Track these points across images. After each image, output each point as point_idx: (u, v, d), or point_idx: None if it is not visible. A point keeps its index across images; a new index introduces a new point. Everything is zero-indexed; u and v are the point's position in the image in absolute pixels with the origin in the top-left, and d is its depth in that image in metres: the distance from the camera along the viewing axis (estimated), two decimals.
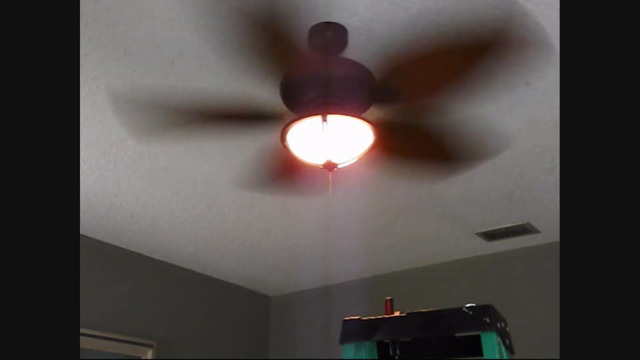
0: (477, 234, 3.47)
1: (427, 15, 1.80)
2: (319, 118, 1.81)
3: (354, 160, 1.97)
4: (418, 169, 2.50)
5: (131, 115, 2.16)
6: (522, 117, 2.29)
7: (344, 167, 1.97)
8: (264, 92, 2.08)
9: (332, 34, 1.84)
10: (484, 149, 2.49)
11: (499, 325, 1.25)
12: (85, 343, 3.21)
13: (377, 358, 1.48)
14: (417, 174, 2.60)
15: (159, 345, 3.66)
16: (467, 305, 1.57)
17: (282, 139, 1.91)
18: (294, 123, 1.85)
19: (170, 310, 3.85)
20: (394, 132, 2.09)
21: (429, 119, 2.15)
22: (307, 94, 1.86)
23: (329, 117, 1.81)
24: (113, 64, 2.01)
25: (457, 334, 1.47)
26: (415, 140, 2.19)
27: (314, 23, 1.83)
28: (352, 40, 1.88)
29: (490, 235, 3.48)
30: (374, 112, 1.99)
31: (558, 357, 2.98)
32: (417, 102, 2.07)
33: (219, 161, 2.63)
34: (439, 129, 2.17)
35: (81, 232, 3.37)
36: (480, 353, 1.26)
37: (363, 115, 1.89)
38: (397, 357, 1.46)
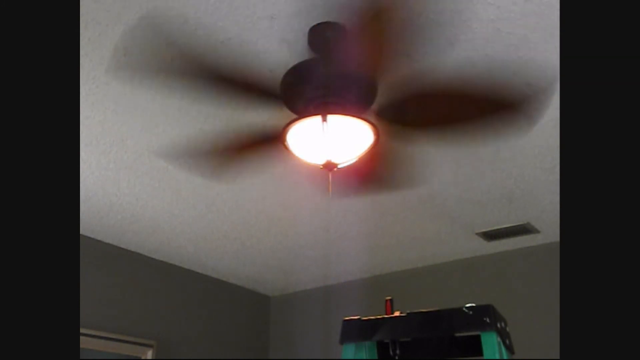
0: (477, 234, 3.47)
1: (427, 15, 1.80)
2: (319, 118, 1.81)
3: (354, 160, 1.97)
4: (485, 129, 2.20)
5: (125, 81, 2.11)
6: (521, 117, 2.29)
7: (344, 167, 1.97)
8: (263, 113, 2.09)
9: (332, 34, 1.84)
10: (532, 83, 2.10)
11: (499, 325, 1.25)
12: (85, 343, 3.21)
13: (377, 358, 1.48)
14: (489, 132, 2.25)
15: (159, 345, 3.66)
16: (467, 305, 1.57)
17: (282, 139, 1.91)
18: (294, 123, 1.85)
19: (170, 310, 3.85)
20: (409, 111, 2.01)
21: (434, 83, 2.03)
22: (307, 94, 1.86)
23: (329, 117, 1.81)
24: (113, 64, 2.01)
25: (457, 334, 1.47)
26: (444, 106, 2.03)
27: (314, 23, 1.83)
28: (352, 40, 1.88)
29: (490, 235, 3.48)
30: (375, 107, 1.98)
31: (558, 357, 2.98)
32: (414, 129, 2.08)
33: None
34: (464, 84, 2.00)
35: (81, 232, 3.37)
36: (480, 353, 1.26)
37: (363, 115, 1.89)
38: (397, 357, 1.46)
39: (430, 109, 2.02)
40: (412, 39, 1.87)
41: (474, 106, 1.98)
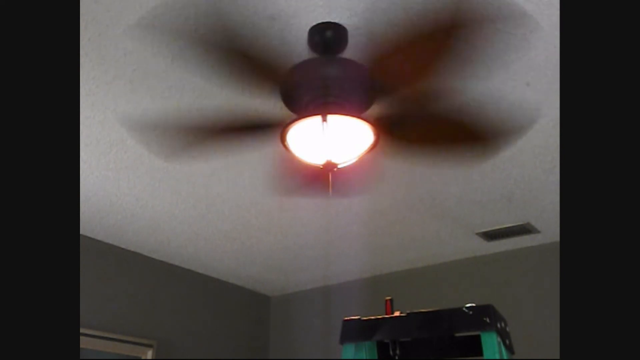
0: (477, 234, 3.47)
1: (427, 15, 1.80)
2: (319, 118, 1.81)
3: (354, 160, 1.97)
4: (444, 156, 2.46)
5: (125, 81, 2.12)
6: (522, 116, 2.29)
7: (344, 167, 1.97)
8: (264, 102, 2.09)
9: (332, 34, 1.84)
10: (511, 122, 2.39)
11: (499, 325, 1.25)
12: (85, 343, 3.21)
13: (377, 358, 1.48)
14: (447, 161, 2.55)
15: (159, 345, 3.66)
16: (467, 305, 1.57)
17: (282, 139, 1.91)
18: (294, 123, 1.85)
19: (170, 310, 3.85)
20: (405, 125, 2.09)
21: (437, 106, 2.16)
22: (307, 94, 1.86)
23: (329, 117, 1.81)
24: (113, 65, 2.01)
25: (457, 334, 1.47)
26: (433, 128, 2.17)
27: (314, 23, 1.83)
28: (352, 40, 1.88)
29: (490, 235, 3.48)
30: (375, 111, 1.99)
31: (558, 357, 2.98)
32: (410, 88, 2.07)
33: (220, 161, 2.63)
34: (454, 112, 2.17)
35: (81, 232, 3.37)
36: (480, 353, 1.26)
37: (363, 115, 1.89)
38: (397, 357, 1.46)
39: (425, 130, 2.08)
40: (467, 62, 1.92)
41: (458, 135, 2.12)
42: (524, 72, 2.04)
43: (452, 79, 2.05)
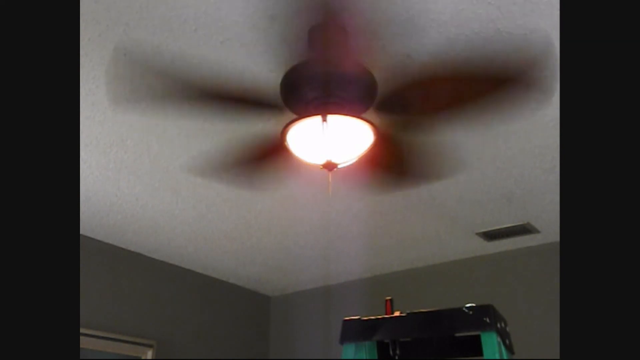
0: (477, 234, 3.46)
1: (427, 15, 1.81)
2: (319, 118, 1.81)
3: (354, 160, 1.97)
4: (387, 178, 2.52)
5: (126, 77, 2.08)
6: (522, 117, 2.29)
7: (344, 167, 1.97)
8: (266, 83, 2.07)
9: (332, 34, 1.84)
10: (436, 171, 2.51)
11: (499, 325, 1.24)
12: (85, 343, 3.21)
13: (377, 358, 1.48)
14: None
15: (159, 345, 3.66)
16: (467, 305, 1.57)
17: (282, 139, 1.91)
18: (294, 123, 1.85)
19: (170, 310, 3.85)
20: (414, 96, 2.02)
21: (416, 133, 2.15)
22: (307, 94, 1.86)
23: (329, 117, 1.81)
24: (113, 64, 2.01)
25: (457, 334, 1.47)
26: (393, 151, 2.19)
27: (314, 23, 1.83)
28: (352, 40, 1.88)
29: (490, 235, 3.48)
30: (377, 99, 1.98)
31: (558, 357, 2.98)
32: (419, 118, 2.07)
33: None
34: (417, 145, 2.15)
35: (81, 232, 3.37)
36: (480, 353, 1.26)
37: (363, 115, 1.89)
38: (397, 357, 1.46)
39: (432, 95, 2.01)
40: (411, 36, 1.88)
41: (475, 85, 1.94)
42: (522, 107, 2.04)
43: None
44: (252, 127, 2.23)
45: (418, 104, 2.02)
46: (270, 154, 2.21)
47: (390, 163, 2.35)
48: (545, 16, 1.80)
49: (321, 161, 1.90)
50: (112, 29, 1.86)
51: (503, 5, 1.77)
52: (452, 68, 1.96)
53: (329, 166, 1.90)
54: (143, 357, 3.56)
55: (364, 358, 1.42)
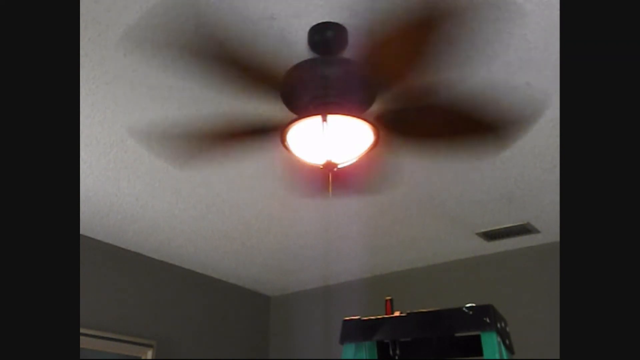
0: (477, 234, 3.47)
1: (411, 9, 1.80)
2: (319, 118, 1.81)
3: (354, 160, 1.97)
4: (452, 149, 2.37)
5: (125, 81, 2.12)
6: (522, 116, 2.29)
7: (344, 167, 1.97)
8: (265, 105, 2.09)
9: (332, 34, 1.84)
10: (519, 111, 2.29)
11: (499, 325, 1.24)
12: (85, 343, 3.21)
13: (377, 358, 1.48)
14: (457, 153, 2.47)
15: (159, 345, 3.66)
16: (467, 305, 1.57)
17: (282, 139, 1.91)
18: (294, 123, 1.85)
19: (170, 310, 3.85)
20: (408, 119, 2.07)
21: (439, 98, 2.13)
22: (307, 94, 1.86)
23: (329, 117, 1.81)
24: (113, 64, 2.01)
25: (457, 334, 1.47)
26: (438, 121, 2.12)
27: (314, 23, 1.83)
28: (352, 40, 1.88)
29: (490, 235, 3.48)
30: (376, 109, 1.99)
31: (558, 357, 2.98)
32: (403, 81, 2.06)
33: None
34: (459, 103, 2.11)
35: (81, 232, 3.37)
36: (480, 353, 1.26)
37: (363, 115, 1.89)
38: (397, 357, 1.46)
39: (428, 123, 2.06)
40: (451, 53, 1.90)
41: (468, 126, 2.06)
42: (524, 72, 2.04)
43: (452, 72, 2.03)
44: (252, 127, 2.22)
45: (415, 126, 2.08)
46: (258, 138, 2.19)
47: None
48: (545, 17, 1.80)
49: (321, 161, 1.90)
50: (112, 29, 1.86)
51: (503, 5, 1.77)
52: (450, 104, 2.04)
53: (329, 166, 1.90)
54: (143, 357, 3.56)
55: (364, 358, 1.42)
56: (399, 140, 2.18)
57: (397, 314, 1.47)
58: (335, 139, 1.84)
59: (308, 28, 1.85)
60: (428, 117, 2.07)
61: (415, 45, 1.76)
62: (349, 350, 1.42)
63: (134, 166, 2.67)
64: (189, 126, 2.32)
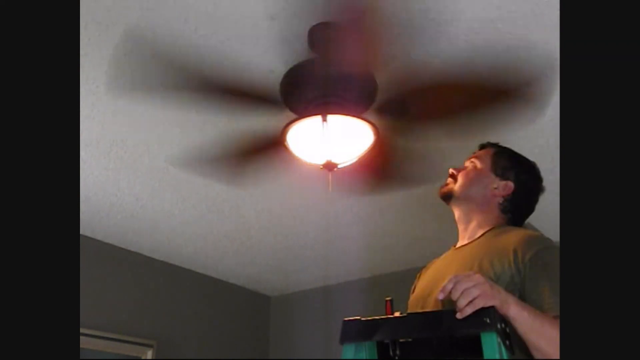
0: None
1: (427, 15, 1.80)
2: (319, 118, 1.81)
3: (354, 160, 1.97)
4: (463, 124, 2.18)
5: (125, 81, 2.10)
6: (522, 117, 2.29)
7: (344, 167, 1.97)
8: (267, 82, 2.07)
9: (332, 34, 1.84)
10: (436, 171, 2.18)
11: (499, 325, 1.24)
12: (85, 343, 3.21)
13: (377, 358, 1.47)
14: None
15: (159, 345, 3.66)
16: None
17: (282, 138, 1.91)
18: (294, 123, 1.85)
19: (170, 310, 3.85)
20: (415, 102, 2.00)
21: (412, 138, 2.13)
22: (307, 94, 1.86)
23: (329, 117, 1.81)
24: (113, 64, 2.01)
25: (457, 335, 1.46)
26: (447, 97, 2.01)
27: (314, 23, 1.83)
28: (352, 40, 1.87)
29: None
30: (377, 103, 1.98)
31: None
32: (419, 124, 2.07)
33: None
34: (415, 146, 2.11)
35: (81, 232, 3.37)
36: (481, 353, 1.25)
37: (363, 115, 1.89)
38: (397, 358, 1.46)
39: (431, 102, 2.02)
40: (412, 38, 1.87)
41: (475, 95, 1.98)
42: (523, 73, 2.03)
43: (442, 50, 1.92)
44: (251, 125, 2.22)
45: (416, 110, 2.03)
46: (267, 150, 2.20)
47: (388, 165, 2.36)
48: (545, 17, 1.80)
49: (321, 161, 1.90)
50: (112, 29, 1.86)
51: (503, 4, 1.77)
52: (451, 75, 1.96)
53: (329, 166, 1.90)
54: (143, 357, 3.56)
55: (364, 358, 1.41)
56: (405, 128, 2.14)
57: (397, 314, 1.47)
58: (335, 139, 1.84)
59: (308, 28, 1.85)
60: (430, 97, 2.01)
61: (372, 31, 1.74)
62: (349, 350, 1.41)
63: (134, 166, 2.67)
64: (189, 126, 2.33)
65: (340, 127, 1.83)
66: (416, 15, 1.80)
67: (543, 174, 1.80)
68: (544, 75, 1.98)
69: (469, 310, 1.24)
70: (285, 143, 1.92)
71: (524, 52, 1.90)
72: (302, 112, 1.88)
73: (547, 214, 3.16)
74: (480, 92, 1.95)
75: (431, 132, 2.20)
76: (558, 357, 1.22)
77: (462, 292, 1.25)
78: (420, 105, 2.01)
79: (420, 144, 2.32)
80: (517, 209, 1.74)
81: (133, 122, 2.34)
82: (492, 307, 1.26)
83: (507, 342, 1.28)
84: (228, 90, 1.96)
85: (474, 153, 1.82)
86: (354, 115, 1.83)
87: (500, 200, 1.72)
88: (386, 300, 1.71)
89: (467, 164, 1.79)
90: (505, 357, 1.23)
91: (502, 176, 1.73)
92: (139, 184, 2.84)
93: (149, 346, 3.59)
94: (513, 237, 1.57)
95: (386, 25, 1.78)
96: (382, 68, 1.90)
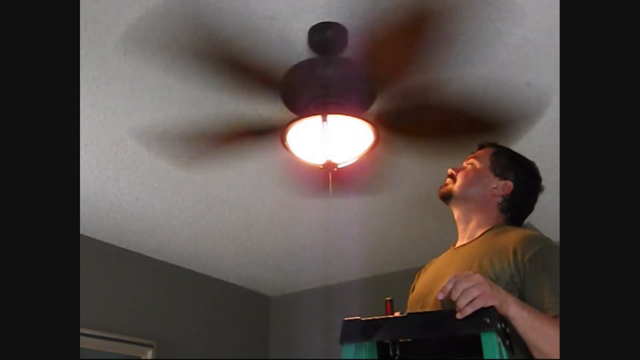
0: None
1: (463, 33, 1.80)
2: (319, 118, 1.81)
3: (354, 160, 1.97)
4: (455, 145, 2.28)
5: (125, 81, 2.11)
6: (522, 116, 2.29)
7: (344, 167, 1.97)
8: (266, 106, 2.08)
9: (332, 34, 1.84)
10: (524, 108, 2.23)
11: (499, 325, 1.24)
12: (85, 343, 3.21)
13: (377, 358, 1.47)
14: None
15: (159, 345, 3.66)
16: None
17: (282, 139, 1.91)
18: (294, 123, 1.85)
19: (170, 310, 3.85)
20: (408, 118, 2.06)
21: (438, 97, 2.11)
22: (307, 94, 1.86)
23: (329, 117, 1.81)
24: (113, 64, 2.01)
25: (457, 335, 1.46)
26: (436, 119, 2.10)
27: (314, 23, 1.83)
28: (352, 40, 1.88)
29: None
30: (375, 109, 1.98)
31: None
32: (402, 79, 2.05)
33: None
34: (458, 102, 2.09)
35: (81, 232, 3.37)
36: (481, 353, 1.25)
37: (363, 115, 1.89)
38: (397, 358, 1.46)
39: (428, 122, 2.06)
40: (444, 53, 1.89)
41: (469, 124, 2.07)
42: (524, 73, 2.04)
43: (451, 71, 2.01)
44: (252, 128, 2.22)
45: (416, 127, 2.07)
46: (258, 140, 2.19)
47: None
48: (545, 16, 1.80)
49: (321, 161, 1.90)
50: (112, 29, 1.86)
51: (503, 5, 1.77)
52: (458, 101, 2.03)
53: (329, 166, 1.90)
54: (143, 357, 3.56)
55: (364, 358, 1.41)
56: (398, 140, 2.18)
57: (397, 314, 1.47)
58: (335, 139, 1.84)
59: (308, 28, 1.85)
60: (427, 116, 2.07)
61: (412, 42, 1.76)
62: (349, 350, 1.41)
63: (134, 166, 2.67)
64: (189, 126, 2.32)
65: (340, 127, 1.83)
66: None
67: (543, 174, 1.80)
68: (539, 91, 2.10)
69: (468, 310, 1.24)
70: (285, 143, 1.92)
71: (522, 40, 1.91)
72: (302, 112, 1.88)
73: (547, 214, 3.16)
74: (478, 124, 2.06)
75: (416, 149, 2.25)
76: (558, 357, 1.22)
77: (462, 292, 1.25)
78: (415, 122, 2.04)
79: (406, 158, 2.40)
80: (517, 208, 1.74)
81: (133, 122, 2.34)
82: (492, 307, 1.26)
83: (507, 342, 1.28)
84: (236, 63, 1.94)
85: (473, 153, 1.83)
86: (354, 115, 1.83)
87: (500, 200, 1.72)
88: (386, 300, 1.71)
89: (466, 164, 1.79)
90: (505, 357, 1.23)
91: (501, 176, 1.73)
92: (139, 184, 2.84)
93: (149, 346, 3.59)
94: (512, 236, 1.58)
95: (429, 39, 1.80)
96: (402, 79, 1.92)
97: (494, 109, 2.11)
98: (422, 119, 2.05)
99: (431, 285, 1.63)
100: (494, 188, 1.72)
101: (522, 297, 1.41)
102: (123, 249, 3.64)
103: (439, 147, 2.27)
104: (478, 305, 1.24)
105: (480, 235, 1.67)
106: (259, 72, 1.89)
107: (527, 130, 2.33)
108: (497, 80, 2.06)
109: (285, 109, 1.97)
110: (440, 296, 1.31)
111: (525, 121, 2.27)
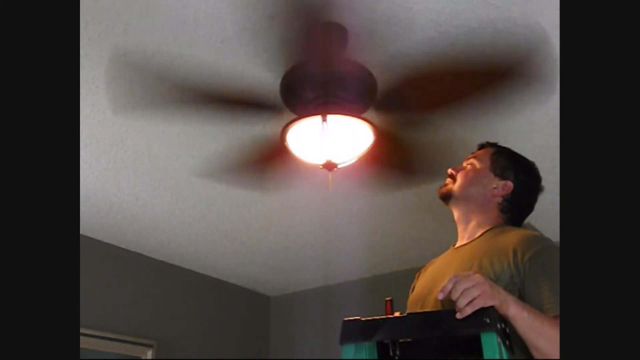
0: None
1: (427, 15, 1.80)
2: (319, 118, 1.81)
3: (354, 160, 1.97)
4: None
5: (125, 81, 2.08)
6: (522, 117, 2.29)
7: (344, 167, 1.97)
8: (266, 83, 2.07)
9: (332, 34, 1.84)
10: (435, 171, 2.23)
11: (499, 325, 1.24)
12: (85, 343, 3.21)
13: (377, 358, 1.47)
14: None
15: (159, 345, 3.66)
16: None
17: (282, 138, 1.91)
18: (294, 123, 1.85)
19: (170, 310, 3.85)
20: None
21: (420, 132, 2.14)
22: (307, 94, 1.86)
23: (329, 117, 1.81)
24: (113, 64, 2.01)
25: (457, 335, 1.46)
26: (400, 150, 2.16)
27: (314, 23, 1.83)
28: (352, 40, 1.88)
29: None
30: (373, 113, 1.99)
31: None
32: (419, 115, 2.06)
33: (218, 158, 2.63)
34: (416, 145, 2.13)
35: (81, 232, 3.37)
36: (481, 353, 1.25)
37: (363, 115, 1.89)
38: (397, 358, 1.45)
39: (429, 91, 2.01)
40: (409, 36, 1.88)
41: (474, 79, 1.96)
42: (527, 99, 2.03)
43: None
44: (252, 128, 2.23)
45: (416, 101, 2.03)
46: (270, 156, 2.20)
47: (390, 162, 2.36)
48: (545, 16, 1.80)
49: (321, 161, 1.90)
50: (112, 29, 1.86)
51: (503, 5, 1.77)
52: (450, 63, 1.96)
53: (329, 166, 1.90)
54: (143, 357, 3.56)
55: (364, 358, 1.41)
56: (407, 120, 2.14)
57: (397, 314, 1.47)
58: (335, 139, 1.84)
59: (308, 28, 1.85)
60: (433, 84, 1.99)
61: (466, 91, 1.83)
62: (349, 350, 1.41)
63: (134, 166, 2.67)
64: (190, 126, 2.33)
65: (340, 127, 1.83)
66: (416, 14, 1.80)
67: (543, 174, 1.80)
68: (542, 55, 1.94)
69: (468, 310, 1.24)
70: (285, 143, 1.92)
71: (520, 29, 1.86)
72: (302, 112, 1.88)
73: (547, 214, 3.16)
74: (479, 76, 1.95)
75: (432, 123, 2.19)
76: (558, 357, 1.22)
77: (462, 292, 1.25)
78: (418, 96, 2.00)
79: (422, 136, 2.29)
80: (517, 208, 1.74)
81: (133, 122, 2.34)
82: (492, 307, 1.26)
83: (507, 342, 1.28)
84: (227, 99, 1.97)
85: (473, 153, 1.83)
86: (353, 115, 1.83)
87: (500, 200, 1.72)
88: (386, 300, 1.71)
89: (466, 164, 1.79)
90: (505, 357, 1.23)
91: (501, 176, 1.73)
92: (139, 184, 2.84)
93: (149, 346, 3.59)
94: (512, 236, 1.57)
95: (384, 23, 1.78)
96: (380, 63, 1.90)
97: (496, 55, 1.94)
98: (422, 90, 2.00)
99: (431, 285, 1.63)
100: (494, 188, 1.72)
101: (522, 297, 1.41)
102: (123, 249, 3.64)
103: (448, 115, 2.15)
104: (478, 305, 1.24)
105: (480, 235, 1.67)
106: (252, 98, 1.91)
107: (532, 75, 2.03)
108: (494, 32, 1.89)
109: (285, 109, 1.97)
110: (440, 296, 1.31)
111: (529, 62, 1.95)
